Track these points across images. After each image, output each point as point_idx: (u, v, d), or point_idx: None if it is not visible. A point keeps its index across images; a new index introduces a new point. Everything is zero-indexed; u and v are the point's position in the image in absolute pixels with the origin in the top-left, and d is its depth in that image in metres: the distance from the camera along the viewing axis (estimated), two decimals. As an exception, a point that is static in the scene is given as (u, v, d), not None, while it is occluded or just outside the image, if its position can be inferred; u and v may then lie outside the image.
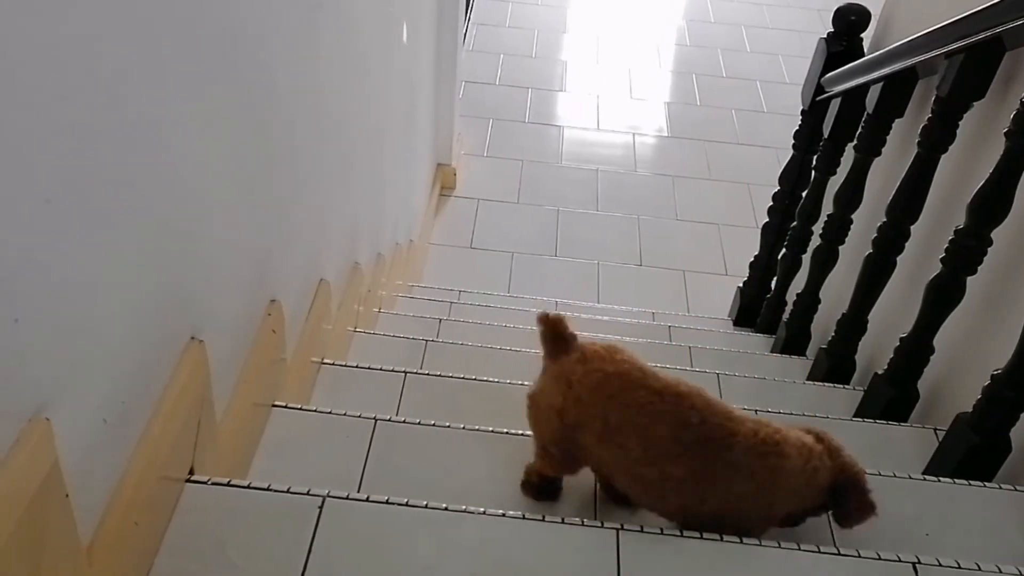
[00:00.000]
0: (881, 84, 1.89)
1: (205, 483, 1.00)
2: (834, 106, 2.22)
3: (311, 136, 1.44)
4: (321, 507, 0.99)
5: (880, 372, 1.71)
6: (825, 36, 2.31)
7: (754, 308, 2.80)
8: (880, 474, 1.30)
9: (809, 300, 2.27)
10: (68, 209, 0.68)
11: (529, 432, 1.31)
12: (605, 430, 1.04)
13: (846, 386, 1.92)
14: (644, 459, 1.03)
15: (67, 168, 0.67)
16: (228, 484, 1.00)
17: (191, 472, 1.00)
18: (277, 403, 1.32)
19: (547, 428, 1.12)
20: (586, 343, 1.10)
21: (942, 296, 1.54)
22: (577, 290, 3.33)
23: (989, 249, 1.48)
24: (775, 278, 2.63)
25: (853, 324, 1.92)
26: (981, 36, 1.46)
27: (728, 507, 1.04)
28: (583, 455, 1.12)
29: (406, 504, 1.01)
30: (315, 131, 1.47)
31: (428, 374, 1.61)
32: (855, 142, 2.03)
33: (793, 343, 2.34)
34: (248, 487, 1.01)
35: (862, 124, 2.00)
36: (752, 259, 2.80)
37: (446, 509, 1.01)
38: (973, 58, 1.52)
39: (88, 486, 0.78)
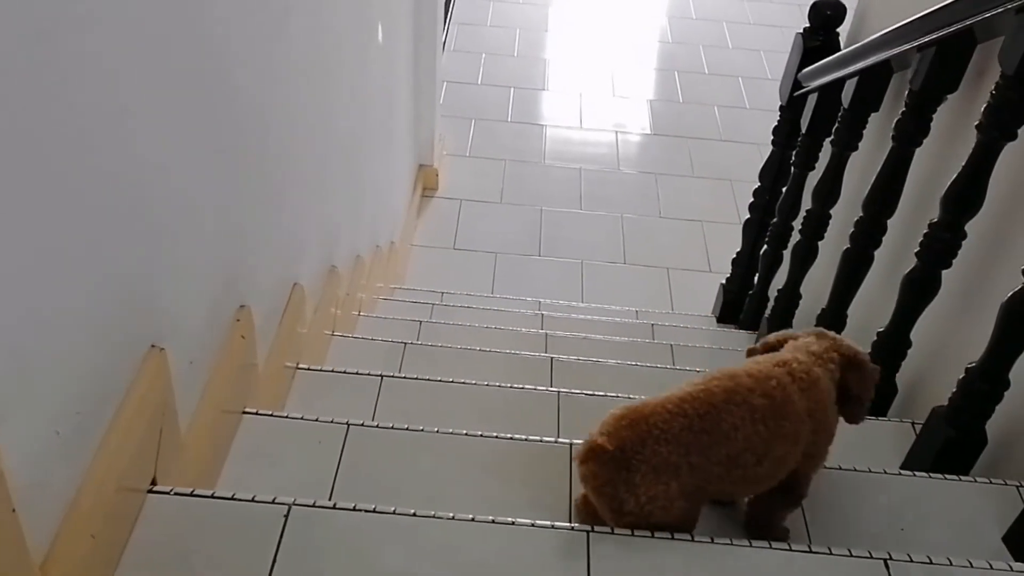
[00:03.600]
0: (856, 78, 1.88)
1: (168, 493, 0.98)
2: (811, 101, 2.21)
3: (284, 138, 1.43)
4: (287, 516, 0.97)
5: (859, 367, 1.71)
6: (802, 31, 2.31)
7: (737, 304, 2.80)
8: (856, 470, 1.29)
9: (790, 296, 2.27)
10: (12, 214, 0.67)
11: (511, 435, 1.31)
12: (723, 460, 1.04)
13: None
14: (756, 459, 1.05)
15: (10, 171, 0.66)
16: (192, 494, 0.99)
17: (154, 482, 0.98)
18: (248, 410, 1.30)
19: (672, 515, 1.03)
20: (616, 427, 1.02)
21: (918, 290, 1.54)
22: (561, 290, 3.32)
23: (963, 242, 1.47)
24: (757, 274, 2.63)
25: (833, 319, 1.91)
26: (952, 29, 1.46)
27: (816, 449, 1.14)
28: (705, 497, 1.09)
29: (373, 511, 0.99)
30: (288, 132, 1.45)
31: (405, 377, 1.60)
32: (832, 137, 2.02)
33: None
34: (212, 496, 0.99)
35: (839, 119, 2.00)
36: (734, 256, 2.80)
37: (414, 515, 1.00)
38: (944, 51, 1.52)
39: (40, 500, 0.76)
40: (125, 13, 0.80)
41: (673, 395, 1.05)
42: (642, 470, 0.99)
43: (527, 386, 1.60)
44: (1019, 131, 1.35)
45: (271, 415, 1.31)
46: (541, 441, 1.30)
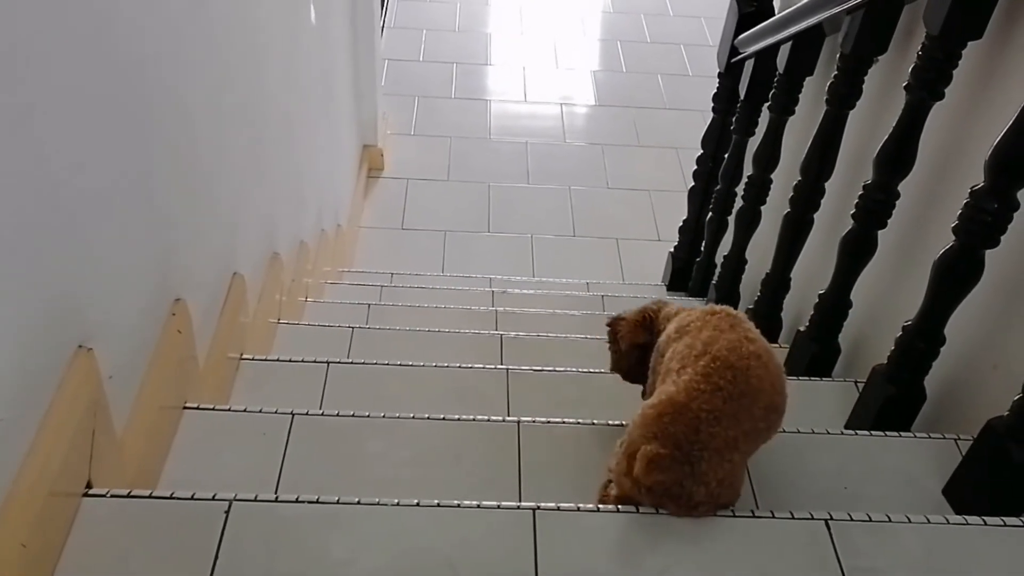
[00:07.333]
0: (790, 43, 1.89)
1: (104, 496, 0.96)
2: (748, 67, 2.22)
3: (211, 123, 1.39)
4: (228, 511, 0.96)
5: (803, 329, 1.73)
6: (737, -3, 2.31)
7: (686, 272, 2.82)
8: (799, 431, 1.31)
9: (736, 261, 2.29)
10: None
11: (459, 416, 1.30)
12: (761, 415, 1.04)
13: (772, 344, 1.93)
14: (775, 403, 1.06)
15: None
16: (129, 495, 0.97)
17: (89, 485, 0.96)
18: (189, 404, 1.28)
19: (737, 487, 1.04)
20: (661, 426, 0.99)
21: (855, 251, 1.56)
22: (512, 265, 3.31)
23: (898, 203, 1.50)
24: (704, 241, 2.65)
25: (777, 283, 1.94)
26: (879, -10, 1.47)
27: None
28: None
29: (316, 501, 0.98)
30: (215, 117, 1.41)
31: (352, 363, 1.58)
32: (770, 102, 2.04)
33: (723, 304, 2.36)
34: (150, 496, 0.97)
35: (775, 84, 2.01)
36: (681, 224, 2.82)
37: (358, 503, 0.99)
38: (873, 13, 1.53)
39: (-38, 513, 0.74)
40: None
41: (688, 377, 1.02)
42: (705, 457, 0.97)
43: (476, 365, 1.60)
44: (946, 91, 1.37)
45: (213, 409, 1.28)
46: (489, 420, 1.30)
